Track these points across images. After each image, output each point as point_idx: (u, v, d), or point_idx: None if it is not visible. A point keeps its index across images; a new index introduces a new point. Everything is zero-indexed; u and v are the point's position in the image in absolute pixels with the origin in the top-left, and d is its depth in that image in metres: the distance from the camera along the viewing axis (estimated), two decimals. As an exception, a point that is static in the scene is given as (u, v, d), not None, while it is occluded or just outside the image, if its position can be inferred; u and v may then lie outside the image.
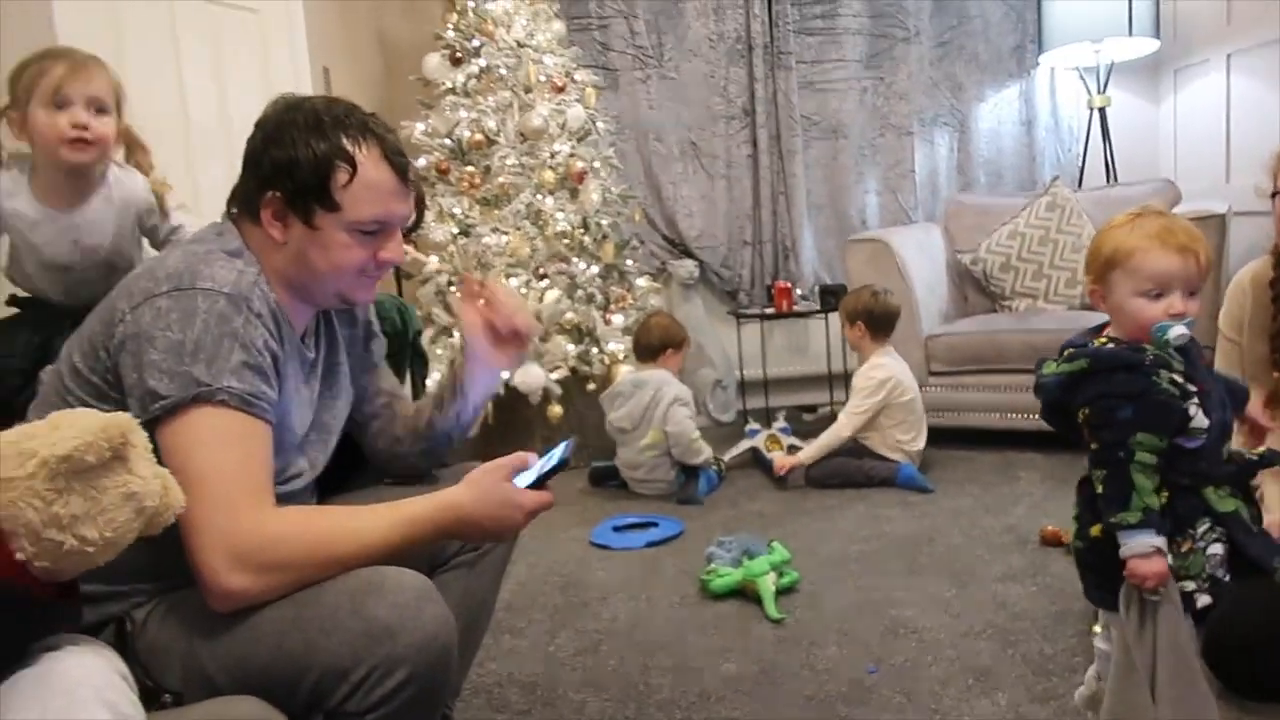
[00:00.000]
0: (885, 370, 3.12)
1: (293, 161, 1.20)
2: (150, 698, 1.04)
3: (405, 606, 1.07)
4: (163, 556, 1.13)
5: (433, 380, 3.35)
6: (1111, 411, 1.30)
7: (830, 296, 3.95)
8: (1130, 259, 1.35)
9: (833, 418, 3.30)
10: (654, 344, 3.32)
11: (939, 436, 3.33)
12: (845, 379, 4.09)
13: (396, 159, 1.26)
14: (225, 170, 3.27)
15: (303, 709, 1.06)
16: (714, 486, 3.21)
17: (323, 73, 3.70)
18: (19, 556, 0.84)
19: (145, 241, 1.87)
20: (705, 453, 3.20)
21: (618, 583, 2.42)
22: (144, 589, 1.18)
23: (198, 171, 3.15)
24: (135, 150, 1.79)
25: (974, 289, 3.89)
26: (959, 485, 3.04)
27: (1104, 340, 1.38)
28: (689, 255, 4.32)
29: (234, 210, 1.28)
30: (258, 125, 1.25)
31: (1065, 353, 1.40)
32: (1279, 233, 1.62)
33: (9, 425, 0.88)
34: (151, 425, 1.07)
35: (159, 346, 1.09)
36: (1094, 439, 1.33)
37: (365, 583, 1.09)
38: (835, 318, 3.67)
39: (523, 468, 1.26)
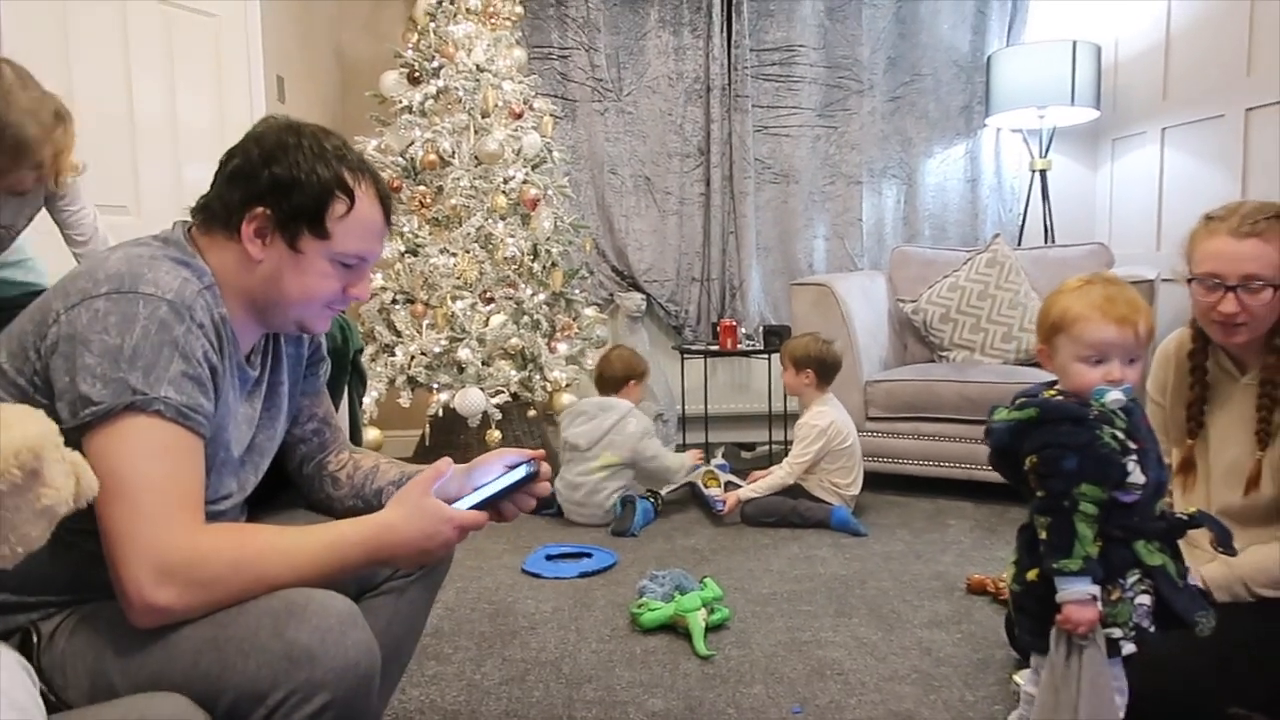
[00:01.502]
0: (826, 418, 3.16)
1: (294, 182, 1.19)
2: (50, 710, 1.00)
3: (328, 631, 1.05)
4: (78, 569, 1.10)
5: (369, 399, 3.32)
6: (1058, 461, 1.36)
7: (774, 337, 3.99)
8: (1074, 326, 1.42)
9: (770, 457, 3.33)
10: (616, 375, 3.36)
11: (873, 481, 3.38)
12: (785, 418, 4.14)
13: (386, 200, 1.29)
14: (170, 171, 3.24)
15: (216, 730, 1.03)
16: (649, 520, 3.21)
17: (276, 81, 3.67)
18: None
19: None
20: (674, 462, 3.28)
21: (548, 612, 2.39)
22: (54, 601, 1.13)
23: (141, 171, 3.09)
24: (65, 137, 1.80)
25: (914, 338, 3.97)
26: (891, 530, 3.09)
27: (1054, 393, 1.46)
28: (637, 288, 4.35)
29: (197, 219, 1.25)
30: (252, 139, 1.23)
31: (1017, 401, 1.47)
32: (1195, 312, 1.69)
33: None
34: (80, 431, 1.04)
35: (94, 350, 1.06)
36: (1040, 486, 1.40)
37: (289, 604, 1.06)
38: (777, 358, 3.71)
39: (441, 474, 1.25)
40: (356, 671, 1.06)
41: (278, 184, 1.20)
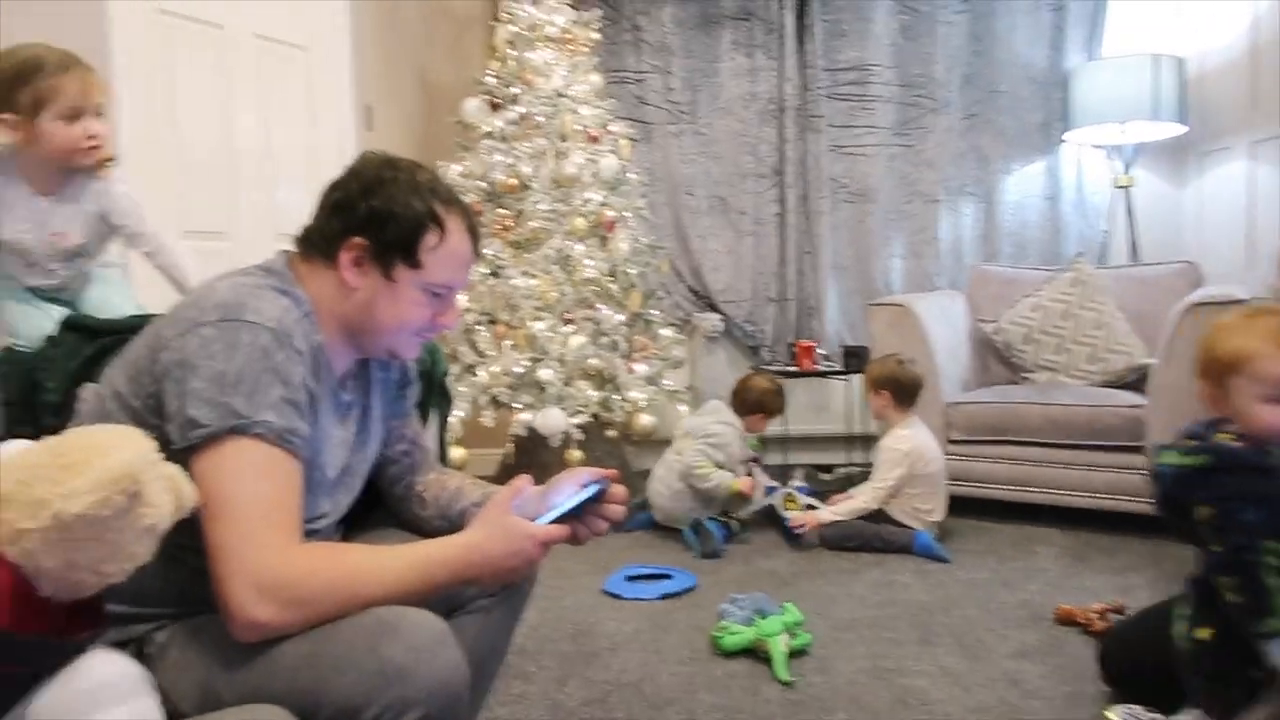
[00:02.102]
0: (908, 441, 3.11)
1: (390, 214, 1.25)
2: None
3: (421, 649, 1.07)
4: (185, 583, 1.15)
5: (454, 418, 3.38)
6: (1236, 514, 1.25)
7: (853, 358, 3.96)
8: (1251, 364, 1.31)
9: (850, 479, 3.29)
10: (749, 400, 3.42)
11: (957, 505, 3.31)
12: (865, 440, 4.09)
13: (475, 232, 1.34)
14: (264, 198, 3.37)
15: (316, 744, 1.06)
16: (725, 540, 3.20)
17: (365, 111, 3.79)
18: (44, 593, 0.86)
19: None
20: (713, 480, 3.24)
21: (629, 634, 2.40)
22: (167, 613, 1.19)
23: (239, 199, 3.22)
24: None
25: (995, 359, 3.89)
26: (976, 556, 3.02)
27: (1227, 436, 1.32)
28: (714, 309, 4.35)
29: (299, 248, 1.31)
30: (352, 174, 1.29)
31: (1185, 444, 1.34)
32: None
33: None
34: (188, 452, 1.09)
35: (202, 375, 1.11)
36: (1216, 541, 1.28)
37: (382, 622, 1.09)
38: (857, 379, 3.68)
39: (518, 492, 1.27)
40: (448, 689, 1.08)
41: (375, 216, 1.26)
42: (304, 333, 1.21)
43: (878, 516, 3.13)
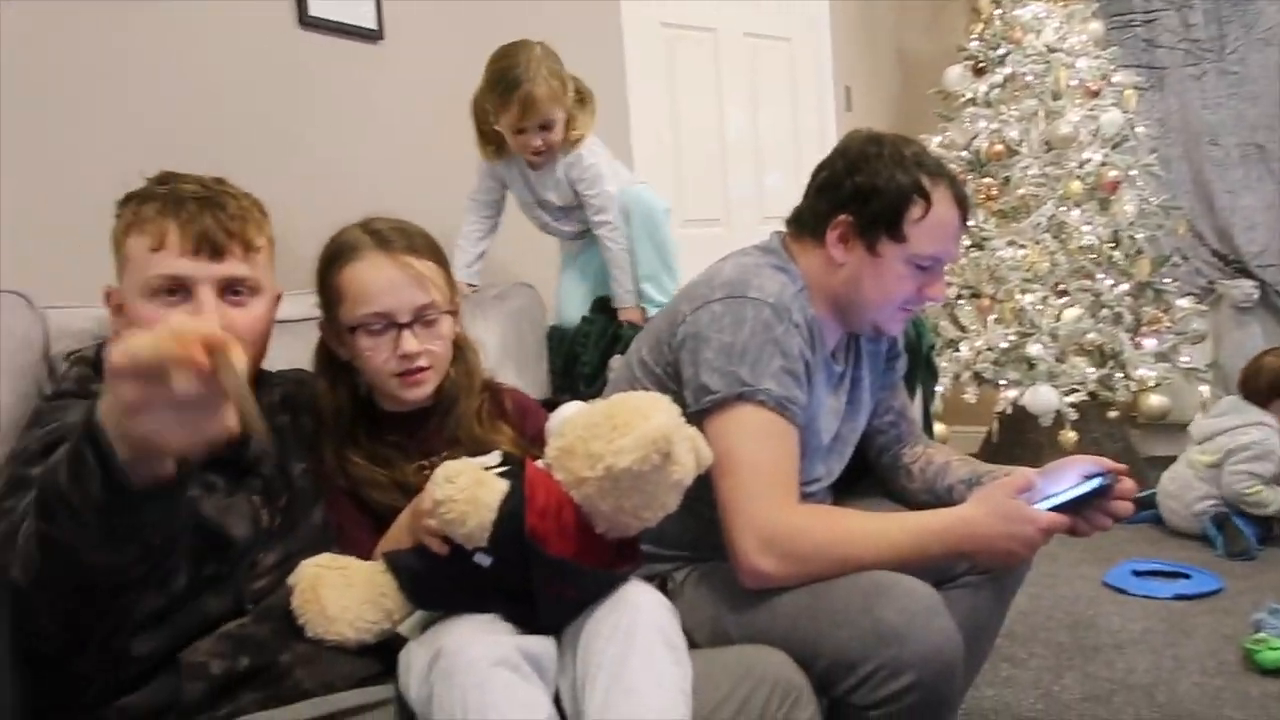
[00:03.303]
0: None
1: (874, 190, 1.28)
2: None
3: (914, 614, 1.09)
4: (698, 532, 1.28)
5: (937, 392, 3.32)
6: None
7: None
8: None
9: None
10: (1261, 388, 2.90)
11: None
12: None
13: (964, 202, 1.32)
14: (752, 184, 3.59)
15: (812, 690, 1.13)
16: (1260, 540, 2.74)
17: (844, 92, 3.85)
18: (598, 530, 1.02)
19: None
20: (1273, 504, 2.76)
21: (1136, 633, 2.18)
22: (683, 555, 1.34)
23: (730, 187, 3.47)
24: (582, 109, 2.01)
25: None
26: None
27: None
28: (1246, 275, 3.74)
29: (791, 228, 1.39)
30: (838, 153, 1.35)
31: None
32: None
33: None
34: (699, 416, 1.22)
35: (712, 347, 1.23)
36: None
37: (877, 584, 1.12)
38: None
39: (1026, 488, 1.21)
40: (941, 657, 1.08)
41: (859, 192, 1.29)
42: (800, 307, 1.28)
43: None
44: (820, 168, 1.37)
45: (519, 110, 1.86)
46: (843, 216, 1.30)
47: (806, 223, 1.36)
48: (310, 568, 1.05)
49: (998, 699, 1.88)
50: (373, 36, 2.09)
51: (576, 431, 1.01)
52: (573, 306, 2.16)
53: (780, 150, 3.59)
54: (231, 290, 1.08)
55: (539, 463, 1.04)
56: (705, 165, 3.40)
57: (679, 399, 1.26)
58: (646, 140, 3.15)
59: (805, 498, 1.31)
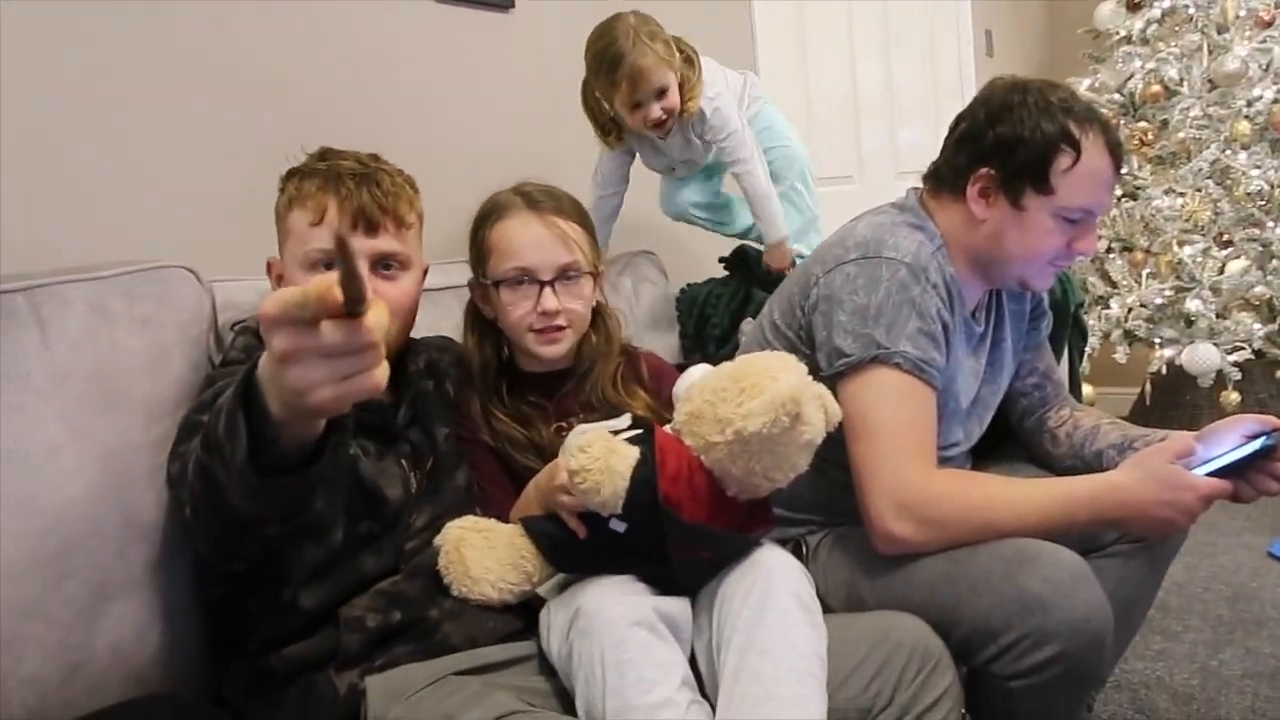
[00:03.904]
0: None
1: (1018, 140, 1.22)
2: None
3: (1059, 583, 1.06)
4: (831, 495, 1.28)
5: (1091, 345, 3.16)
6: None
7: None
8: None
9: None
10: None
11: None
12: None
13: (1117, 149, 1.24)
14: (887, 140, 3.48)
15: (950, 658, 1.11)
16: None
17: (985, 36, 3.67)
18: (730, 494, 1.02)
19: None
20: None
21: (1305, 607, 2.05)
22: (816, 519, 1.34)
23: (863, 143, 3.38)
24: (690, 70, 1.92)
25: None
26: None
27: None
28: None
29: (928, 184, 1.35)
30: (979, 103, 1.29)
31: None
32: None
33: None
34: (833, 379, 1.21)
35: (846, 309, 1.21)
36: None
37: (1019, 552, 1.09)
38: None
39: (1187, 454, 1.14)
40: (1088, 628, 1.05)
41: (1001, 143, 1.23)
42: (938, 266, 1.24)
43: None
44: (959, 119, 1.31)
45: (629, 85, 1.82)
46: (984, 170, 1.25)
47: (945, 178, 1.31)
48: (454, 530, 1.10)
49: (1149, 673, 1.80)
50: (504, 6, 2.12)
51: (704, 396, 1.02)
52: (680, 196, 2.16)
53: (916, 101, 3.46)
54: (383, 265, 1.13)
55: (667, 427, 1.06)
56: (837, 120, 3.32)
57: (811, 363, 1.25)
58: (775, 94, 3.09)
59: (943, 463, 1.28)
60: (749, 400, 0.97)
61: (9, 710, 0.93)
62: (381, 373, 0.64)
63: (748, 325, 1.67)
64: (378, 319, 0.62)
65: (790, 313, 1.32)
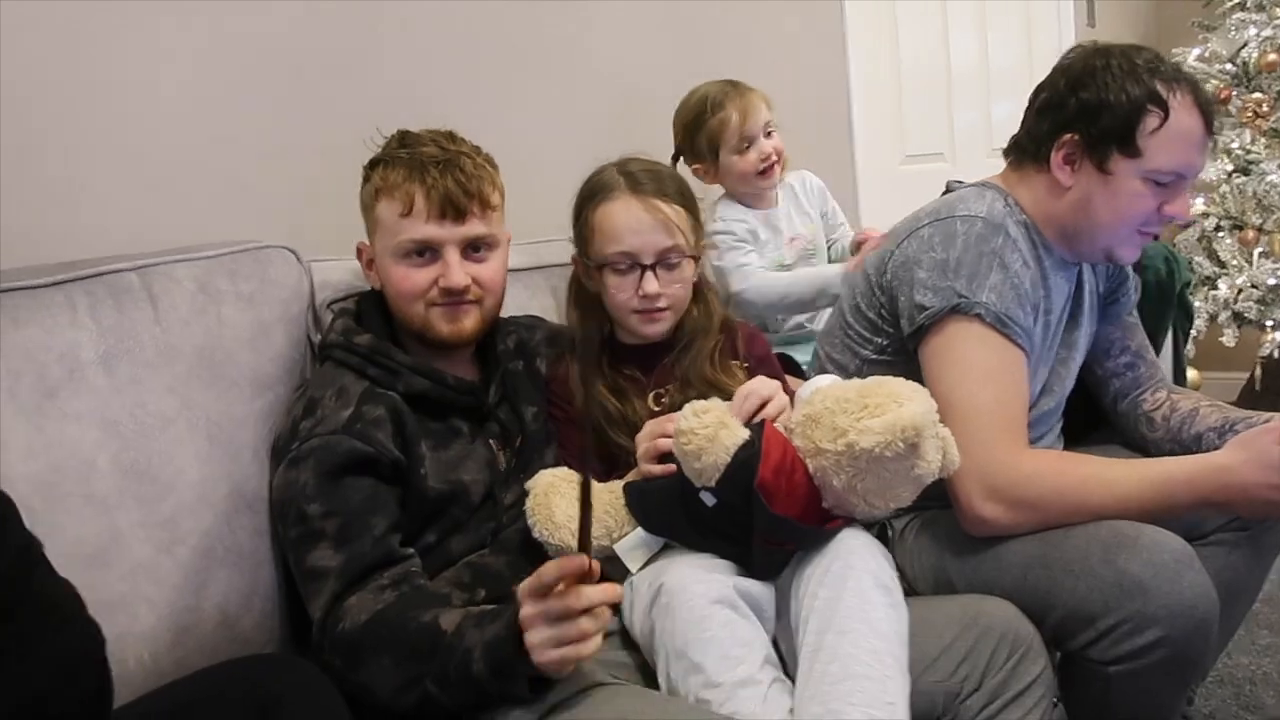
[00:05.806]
0: None
1: (1102, 104, 1.19)
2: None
3: (1162, 567, 1.03)
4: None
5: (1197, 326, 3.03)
6: None
7: None
8: None
9: None
10: None
11: None
12: None
13: (1207, 108, 1.20)
14: (980, 115, 3.38)
15: (1043, 643, 1.09)
16: None
17: (1086, 4, 3.53)
18: (824, 505, 1.02)
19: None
20: None
21: None
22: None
23: (955, 117, 3.29)
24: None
25: None
26: None
27: None
28: None
29: (1009, 158, 1.32)
30: (1059, 71, 1.27)
31: None
32: None
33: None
34: (916, 338, 1.20)
35: (925, 266, 1.20)
36: None
37: (1118, 534, 1.07)
38: None
39: None
40: (1193, 614, 1.02)
41: (1085, 108, 1.20)
42: (1016, 222, 1.22)
43: None
44: (1039, 89, 1.29)
45: (740, 116, 1.71)
46: (1068, 136, 1.22)
47: (1027, 148, 1.29)
48: (546, 475, 1.13)
49: (1254, 668, 1.73)
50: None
51: (825, 403, 1.01)
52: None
53: (1011, 75, 3.34)
54: (473, 248, 1.15)
55: (779, 424, 1.06)
56: (928, 95, 3.23)
57: (895, 340, 1.24)
58: (865, 70, 3.03)
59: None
60: (869, 418, 0.97)
61: (126, 667, 0.98)
62: (596, 644, 0.87)
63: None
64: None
65: (870, 293, 1.31)
